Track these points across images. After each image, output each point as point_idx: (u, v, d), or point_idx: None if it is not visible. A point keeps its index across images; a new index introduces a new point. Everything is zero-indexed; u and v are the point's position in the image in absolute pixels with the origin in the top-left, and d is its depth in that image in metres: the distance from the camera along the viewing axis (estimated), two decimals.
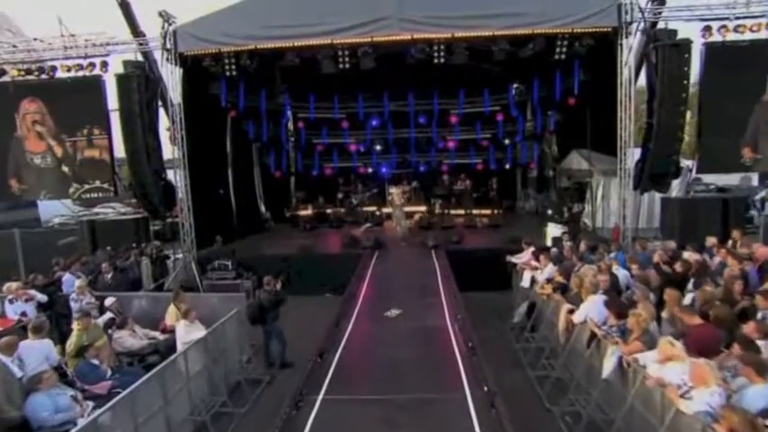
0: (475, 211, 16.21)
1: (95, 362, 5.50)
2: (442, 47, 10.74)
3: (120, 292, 8.11)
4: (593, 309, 5.46)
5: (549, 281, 7.47)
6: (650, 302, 5.43)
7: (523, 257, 9.08)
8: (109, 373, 5.56)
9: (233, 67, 11.52)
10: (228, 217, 14.65)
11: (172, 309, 7.25)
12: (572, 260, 8.09)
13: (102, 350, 5.77)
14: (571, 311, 5.98)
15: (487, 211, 16.27)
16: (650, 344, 4.38)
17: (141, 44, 11.46)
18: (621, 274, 7.10)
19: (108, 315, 7.11)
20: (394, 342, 5.63)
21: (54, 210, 20.12)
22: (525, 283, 8.30)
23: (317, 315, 8.56)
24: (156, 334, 6.90)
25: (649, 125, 10.54)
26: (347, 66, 11.15)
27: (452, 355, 5.12)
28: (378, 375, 4.80)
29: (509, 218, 15.70)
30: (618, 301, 5.33)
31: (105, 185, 12.66)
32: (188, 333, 5.94)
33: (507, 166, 18.10)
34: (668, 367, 3.85)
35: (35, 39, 12.35)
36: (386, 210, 18.15)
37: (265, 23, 10.67)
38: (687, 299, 5.72)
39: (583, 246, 8.77)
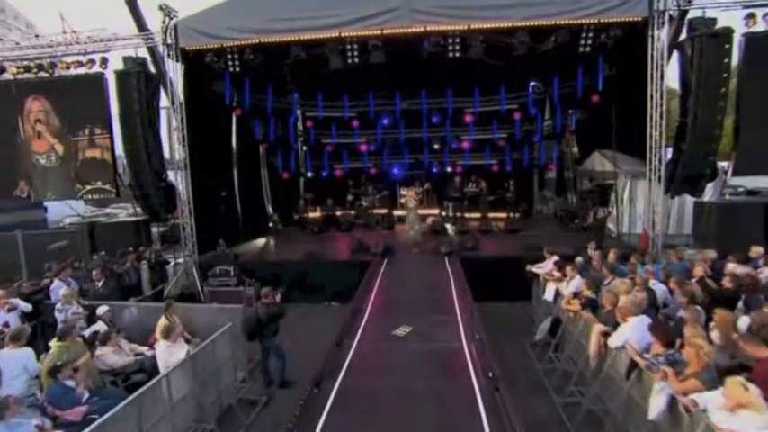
0: (490, 215, 15.46)
1: (70, 383, 4.95)
2: (456, 40, 10.06)
3: (112, 301, 7.64)
4: (633, 333, 4.71)
5: (575, 295, 6.71)
6: (701, 326, 4.66)
7: (545, 267, 8.32)
8: (85, 395, 5.00)
9: (236, 62, 11.02)
10: (234, 220, 14.13)
11: (162, 321, 6.69)
12: (601, 272, 7.31)
13: (82, 369, 5.22)
14: (605, 334, 5.23)
15: (503, 215, 15.52)
16: (711, 383, 3.63)
17: (144, 39, 11.00)
18: (659, 289, 6.33)
19: (97, 326, 6.62)
20: (402, 368, 4.96)
21: (65, 211, 19.92)
22: (548, 296, 7.55)
23: (322, 326, 7.99)
24: (144, 350, 6.35)
25: (682, 123, 9.69)
26: (356, 60, 10.54)
27: (469, 387, 4.43)
28: (382, 410, 4.15)
29: (526, 222, 14.88)
30: (666, 327, 4.58)
31: (107, 186, 12.28)
32: (170, 355, 5.35)
33: (524, 168, 17.22)
34: (740, 417, 3.10)
35: (36, 36, 12.04)
36: (397, 212, 17.59)
37: (269, 16, 10.12)
38: (741, 322, 4.93)
39: (612, 255, 7.98)
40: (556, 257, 8.34)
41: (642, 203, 11.55)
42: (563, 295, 7.05)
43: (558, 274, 7.81)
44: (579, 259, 8.04)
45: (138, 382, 5.38)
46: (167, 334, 5.47)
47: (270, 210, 17.72)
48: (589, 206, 14.02)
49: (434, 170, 18.16)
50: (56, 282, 7.72)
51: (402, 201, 14.30)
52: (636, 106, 10.62)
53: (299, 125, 17.98)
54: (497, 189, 16.12)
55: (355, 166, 18.41)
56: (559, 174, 16.87)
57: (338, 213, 16.77)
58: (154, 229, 13.63)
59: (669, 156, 10.16)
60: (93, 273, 8.22)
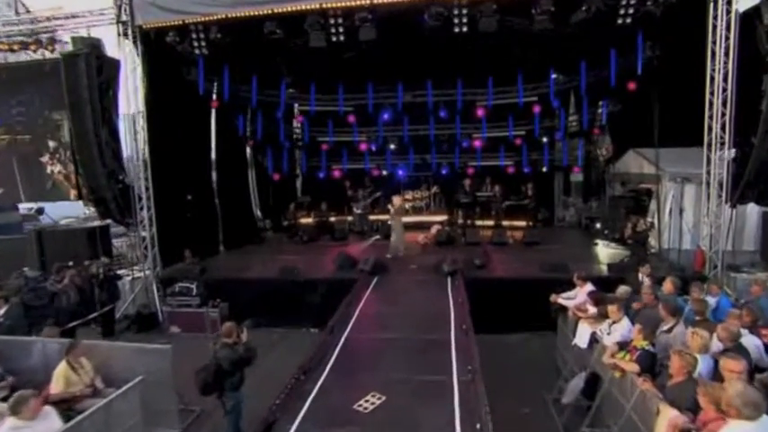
0: (505, 223, 13.48)
1: None
2: (463, 11, 8.19)
3: (16, 336, 6.00)
4: None
5: (622, 346, 4.75)
6: None
7: (577, 299, 6.36)
8: None
9: (202, 43, 9.37)
10: (210, 227, 12.50)
11: (61, 368, 5.03)
12: (654, 306, 5.34)
13: None
14: (685, 430, 3.27)
15: (521, 223, 13.52)
16: None
17: (98, 16, 9.45)
18: (751, 344, 4.34)
19: None
20: None
21: (64, 212, 18.53)
22: (581, 341, 5.59)
23: (294, 359, 6.21)
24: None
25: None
26: (341, 38, 8.76)
27: None
28: None
29: (546, 232, 12.84)
30: None
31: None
32: None
33: (544, 170, 15.12)
34: None
35: None
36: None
37: None
38: None
39: (670, 286, 5.96)
40: (590, 286, 6.36)
41: (691, 213, 9.48)
42: (603, 343, 5.10)
43: (593, 310, 5.85)
44: (624, 289, 6.04)
45: None
46: (17, 408, 3.69)
47: (259, 215, 16.14)
48: (620, 215, 11.94)
49: (444, 172, 16.24)
50: None
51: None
52: (686, 93, 8.59)
53: (296, 122, 16.27)
54: (513, 194, 14.13)
55: (356, 167, 16.63)
56: (587, 177, 14.77)
57: (332, 219, 15.03)
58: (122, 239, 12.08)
59: (731, 154, 8.08)
60: None
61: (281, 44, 9.50)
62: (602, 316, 5.52)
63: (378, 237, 13.80)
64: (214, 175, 12.99)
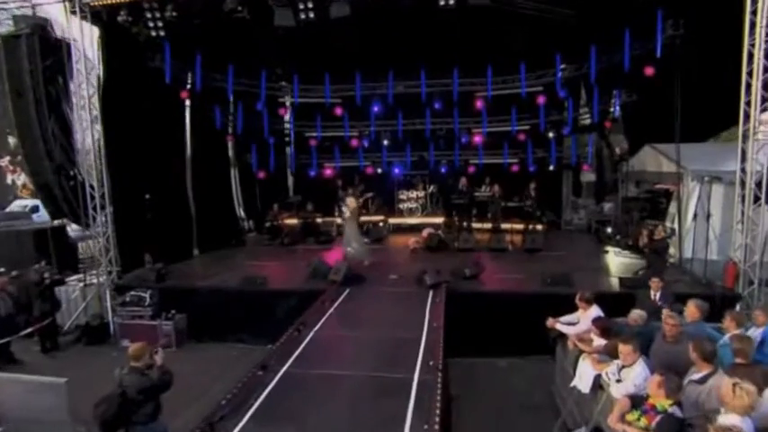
0: (505, 226, 12.21)
1: None
2: None
3: None
4: None
5: (636, 402, 3.53)
6: None
7: (579, 325, 5.14)
8: None
9: (158, 23, 8.30)
10: (186, 228, 11.50)
11: None
12: (676, 341, 4.11)
13: None
14: None
15: (522, 226, 12.23)
16: None
17: None
18: None
19: None
20: None
21: None
22: (583, 384, 4.37)
23: None
24: None
25: None
26: (311, 15, 7.62)
27: None
28: None
29: (551, 237, 11.56)
30: None
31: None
32: None
33: (551, 168, 13.79)
34: None
35: None
36: (395, 221, 14.67)
37: None
38: None
39: (693, 309, 4.69)
40: (595, 310, 5.11)
41: (719, 218, 8.13)
42: (609, 393, 3.88)
43: (599, 342, 4.62)
44: (638, 315, 4.80)
45: None
46: None
47: (242, 215, 15.13)
48: (634, 218, 10.61)
49: (443, 170, 15.02)
50: None
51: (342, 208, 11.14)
52: (715, 77, 7.28)
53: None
54: (514, 194, 12.84)
55: (349, 165, 15.49)
56: (600, 176, 13.40)
57: (319, 221, 13.93)
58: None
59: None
60: None
61: (251, 27, 8.44)
62: (611, 353, 4.30)
63: (366, 240, 12.75)
64: (189, 173, 12.00)
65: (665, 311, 4.58)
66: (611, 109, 11.66)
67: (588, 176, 14.27)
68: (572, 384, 4.57)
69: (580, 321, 5.26)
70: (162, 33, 8.43)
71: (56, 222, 9.36)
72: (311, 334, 5.58)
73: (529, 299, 7.23)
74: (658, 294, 5.91)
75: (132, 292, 8.34)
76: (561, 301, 6.16)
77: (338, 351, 5.08)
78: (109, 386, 3.99)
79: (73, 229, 9.84)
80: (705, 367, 3.53)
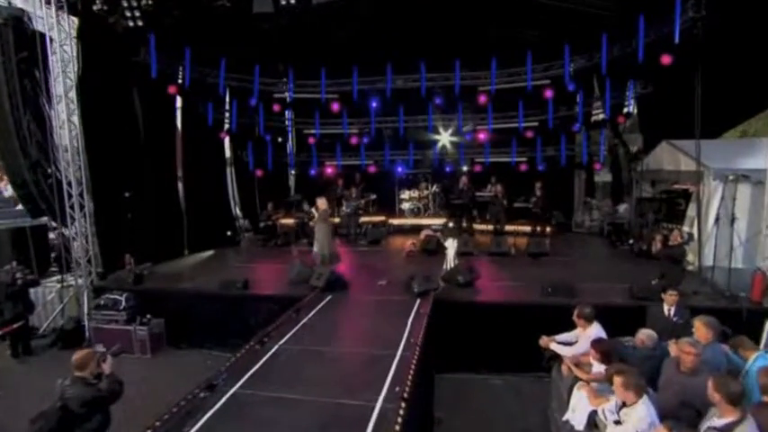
0: (510, 228, 11.49)
1: None
2: None
3: None
4: None
5: None
6: None
7: (576, 346, 4.46)
8: None
9: (135, 13, 7.87)
10: (177, 227, 11.13)
11: None
12: (699, 374, 3.41)
13: None
14: None
15: (528, 229, 11.48)
16: None
17: None
18: None
19: None
20: None
21: None
22: (576, 419, 3.70)
23: None
24: None
25: None
26: (291, 1, 7.07)
27: None
28: None
29: (559, 241, 10.81)
30: None
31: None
32: None
33: (562, 167, 12.95)
34: None
35: None
36: (395, 221, 14.09)
37: None
38: None
39: (702, 330, 3.97)
40: (596, 329, 4.41)
41: (744, 222, 7.30)
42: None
43: (597, 369, 3.94)
44: (647, 335, 4.11)
45: None
46: None
47: (239, 214, 14.72)
48: (649, 221, 9.77)
49: (447, 169, 14.39)
50: None
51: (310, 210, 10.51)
52: (742, 65, 6.48)
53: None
54: (520, 194, 12.08)
55: (350, 163, 14.96)
56: (616, 175, 12.51)
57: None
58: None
59: None
60: None
61: (231, 16, 7.97)
62: (612, 382, 3.61)
63: (362, 242, 12.21)
64: (179, 171, 11.63)
65: (682, 341, 3.81)
66: (625, 102, 10.79)
67: (604, 176, 13.39)
68: (564, 418, 3.89)
69: (579, 340, 4.58)
70: (140, 23, 7.98)
71: (35, 221, 9.01)
72: (275, 348, 5.02)
73: (526, 310, 6.55)
74: (673, 309, 5.18)
75: (107, 295, 7.95)
76: (562, 312, 5.48)
77: (298, 370, 4.50)
78: None
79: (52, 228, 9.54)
80: (730, 412, 2.82)
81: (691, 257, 7.95)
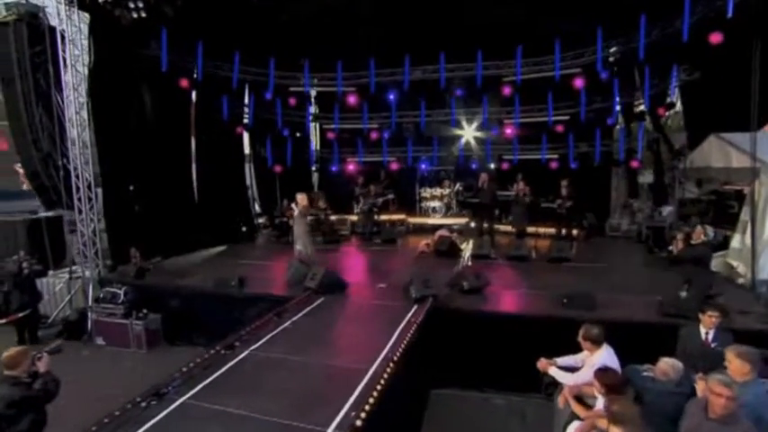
0: (532, 230, 10.60)
1: None
2: None
3: None
4: None
5: None
6: None
7: (580, 373, 3.74)
8: None
9: (139, 4, 7.79)
10: (189, 222, 11.10)
11: None
12: (734, 423, 2.65)
13: None
14: None
15: (553, 231, 10.52)
16: None
17: None
18: None
19: None
20: None
21: None
22: None
23: None
24: None
25: None
26: None
27: None
28: None
29: (590, 245, 9.82)
30: None
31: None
32: None
33: (596, 164, 11.83)
34: None
35: None
36: (414, 220, 13.52)
37: None
38: None
39: (737, 362, 3.15)
40: (605, 354, 3.66)
41: None
42: None
43: (600, 406, 3.22)
44: (670, 365, 3.39)
45: None
46: None
47: (258, 210, 14.66)
48: (693, 225, 8.58)
49: (473, 167, 13.59)
50: None
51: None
52: None
53: (313, 109, 14.50)
54: (549, 193, 11.11)
55: (372, 160, 14.51)
56: (658, 174, 11.26)
57: (333, 218, 13.12)
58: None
59: None
60: None
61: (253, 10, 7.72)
62: (616, 423, 2.88)
63: (376, 241, 11.74)
64: (194, 165, 11.63)
65: (713, 377, 2.98)
66: (668, 92, 9.59)
67: (647, 176, 12.09)
68: None
69: (583, 366, 3.84)
70: (143, 15, 7.89)
71: (50, 213, 9.22)
72: (244, 353, 4.64)
73: (535, 323, 5.80)
74: (711, 333, 4.28)
75: (107, 288, 7.95)
76: (578, 328, 4.74)
77: (260, 381, 4.07)
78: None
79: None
80: None
81: (742, 269, 6.85)
